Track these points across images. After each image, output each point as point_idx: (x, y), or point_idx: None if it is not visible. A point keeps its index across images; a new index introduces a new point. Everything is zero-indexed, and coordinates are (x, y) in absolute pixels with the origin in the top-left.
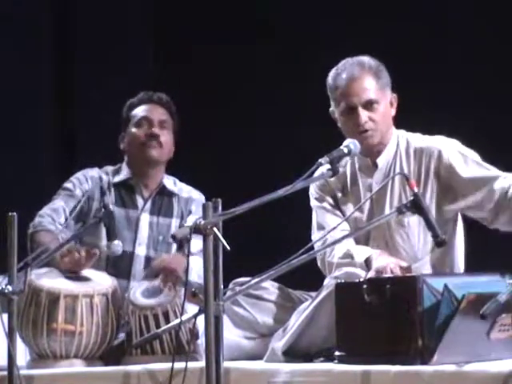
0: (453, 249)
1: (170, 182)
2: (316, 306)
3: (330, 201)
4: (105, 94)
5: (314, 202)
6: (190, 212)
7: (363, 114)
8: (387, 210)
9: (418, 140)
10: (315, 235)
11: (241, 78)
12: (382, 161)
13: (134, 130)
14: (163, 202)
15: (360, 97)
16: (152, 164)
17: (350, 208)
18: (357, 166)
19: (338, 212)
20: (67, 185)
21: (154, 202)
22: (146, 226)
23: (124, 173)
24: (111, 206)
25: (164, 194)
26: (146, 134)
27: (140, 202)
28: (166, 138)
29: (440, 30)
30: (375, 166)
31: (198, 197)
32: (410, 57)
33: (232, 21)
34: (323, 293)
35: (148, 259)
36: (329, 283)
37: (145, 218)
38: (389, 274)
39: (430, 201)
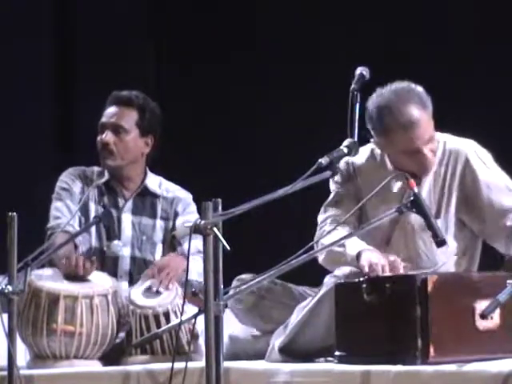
0: (472, 257)
1: (153, 182)
2: (314, 305)
3: (351, 188)
4: (105, 93)
5: (333, 186)
6: (176, 213)
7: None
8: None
9: (446, 142)
10: (321, 216)
11: (241, 77)
12: None
13: (98, 137)
14: (146, 202)
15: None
16: (111, 171)
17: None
18: (388, 166)
19: (354, 201)
20: (63, 185)
21: (135, 202)
22: (129, 227)
23: (106, 175)
24: (93, 204)
25: (146, 194)
26: (100, 142)
27: (121, 202)
28: (120, 142)
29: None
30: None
31: (184, 196)
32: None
33: (232, 20)
34: (322, 291)
35: (133, 259)
36: (328, 281)
37: (127, 219)
38: (380, 273)
39: (455, 204)
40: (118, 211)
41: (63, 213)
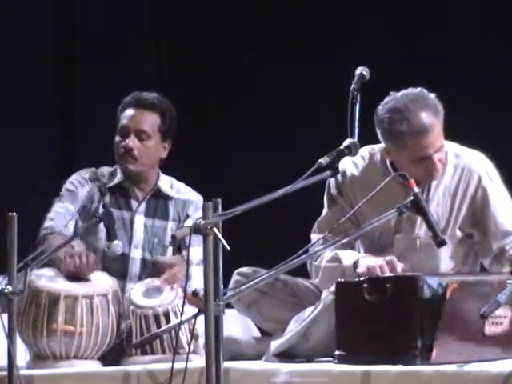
0: (474, 265)
1: (166, 184)
2: (312, 321)
3: (345, 204)
4: (105, 93)
5: (326, 199)
6: (187, 215)
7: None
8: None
9: (458, 156)
10: (314, 235)
11: (241, 78)
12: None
13: (116, 138)
14: (159, 204)
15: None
16: (132, 175)
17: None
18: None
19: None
20: (69, 186)
21: (148, 204)
22: (141, 229)
23: (118, 176)
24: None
25: (159, 196)
26: (123, 147)
27: (134, 204)
28: (144, 148)
29: None
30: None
31: (195, 199)
32: None
33: (232, 20)
34: (319, 307)
35: (144, 261)
36: (326, 297)
37: (139, 221)
38: (379, 274)
39: (461, 220)
40: (132, 213)
41: (59, 215)
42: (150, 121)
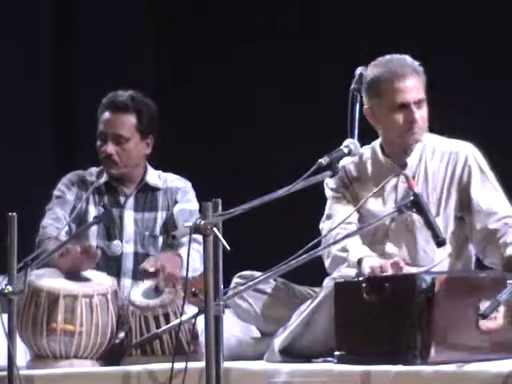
0: (470, 260)
1: (153, 177)
2: (314, 308)
3: (347, 192)
4: (105, 94)
5: (329, 192)
6: (175, 201)
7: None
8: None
9: (446, 143)
10: (324, 224)
11: (241, 78)
12: (412, 161)
13: (97, 143)
14: (147, 197)
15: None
16: (116, 177)
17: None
18: (382, 161)
19: (352, 204)
20: (57, 192)
21: (136, 198)
22: (131, 223)
23: (106, 175)
24: (93, 207)
25: (147, 189)
26: (103, 152)
27: (122, 200)
28: (123, 151)
29: None
30: (403, 165)
31: (183, 185)
32: None
33: (232, 20)
34: (321, 294)
35: (136, 255)
36: (327, 284)
37: (129, 216)
38: (379, 273)
39: (454, 203)
40: (120, 209)
41: (52, 222)
42: (126, 123)
